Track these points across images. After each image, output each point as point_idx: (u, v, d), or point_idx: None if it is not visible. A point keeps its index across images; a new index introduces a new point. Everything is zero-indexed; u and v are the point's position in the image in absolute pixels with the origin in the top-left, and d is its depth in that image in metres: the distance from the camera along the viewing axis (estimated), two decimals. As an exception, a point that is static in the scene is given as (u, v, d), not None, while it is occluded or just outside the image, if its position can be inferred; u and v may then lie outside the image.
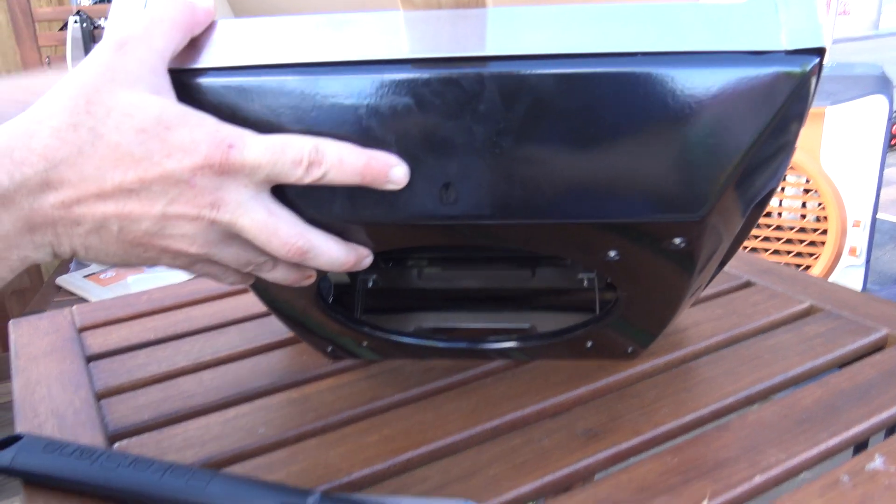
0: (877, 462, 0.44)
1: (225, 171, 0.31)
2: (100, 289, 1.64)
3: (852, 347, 0.57)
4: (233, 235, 0.34)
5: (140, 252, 0.34)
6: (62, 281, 1.73)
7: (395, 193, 0.35)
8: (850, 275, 1.94)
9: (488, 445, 0.47)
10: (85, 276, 1.78)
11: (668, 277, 0.44)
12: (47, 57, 1.96)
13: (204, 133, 0.31)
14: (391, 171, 0.34)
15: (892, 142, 4.62)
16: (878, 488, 0.41)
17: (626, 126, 0.34)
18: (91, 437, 0.50)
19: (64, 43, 1.94)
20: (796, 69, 0.33)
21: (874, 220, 1.90)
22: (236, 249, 0.35)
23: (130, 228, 0.32)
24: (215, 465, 0.47)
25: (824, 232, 1.93)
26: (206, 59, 0.35)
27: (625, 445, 0.47)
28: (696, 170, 0.35)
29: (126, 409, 0.53)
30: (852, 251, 1.91)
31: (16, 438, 0.47)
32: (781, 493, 0.42)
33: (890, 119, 1.82)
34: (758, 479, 0.43)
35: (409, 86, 0.34)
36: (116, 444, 0.49)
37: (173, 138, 0.31)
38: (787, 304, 0.64)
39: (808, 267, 1.98)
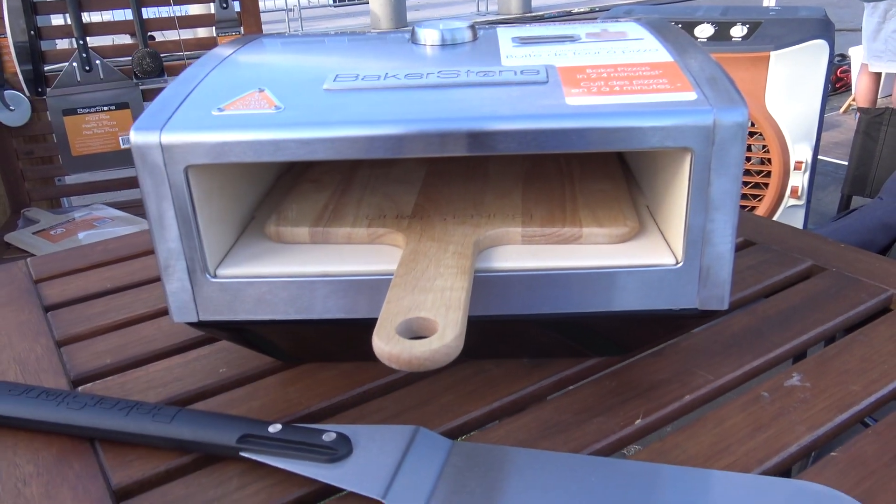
0: (794, 379, 0.48)
1: None
2: (50, 245, 1.63)
3: (779, 278, 0.61)
4: None
5: None
6: (11, 238, 1.70)
7: None
8: (792, 215, 2.02)
9: (442, 376, 0.50)
10: (34, 233, 1.75)
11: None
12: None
13: None
14: None
15: (838, 85, 4.72)
16: (794, 402, 0.45)
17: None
18: (54, 382, 0.51)
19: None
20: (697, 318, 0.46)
21: (815, 161, 1.97)
22: None
23: None
24: (178, 404, 0.49)
25: (768, 174, 1.99)
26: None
27: (567, 372, 0.50)
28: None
29: (87, 356, 0.55)
30: (794, 192, 1.98)
31: (-21, 385, 0.48)
32: (708, 410, 0.46)
33: (831, 63, 1.87)
34: (687, 398, 0.47)
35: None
36: (80, 389, 0.51)
37: None
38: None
39: (753, 208, 2.04)
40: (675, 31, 0.53)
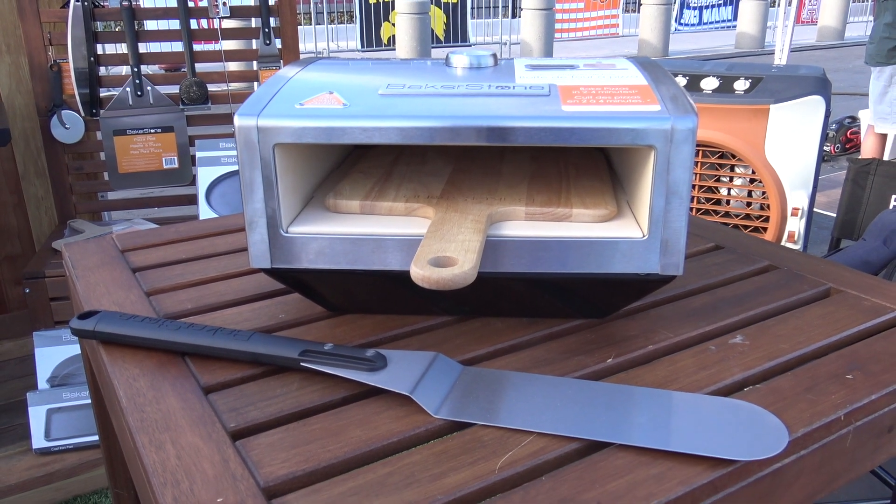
0: (737, 338, 0.60)
1: None
2: (100, 248, 1.76)
3: (739, 272, 0.73)
4: None
5: None
6: (58, 245, 1.85)
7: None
8: (789, 259, 2.13)
9: (456, 326, 0.62)
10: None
11: None
12: (49, 33, 2.07)
13: None
14: None
15: (849, 146, 4.86)
16: (734, 353, 0.58)
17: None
18: (148, 318, 0.64)
19: (65, 20, 2.05)
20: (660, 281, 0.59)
21: (811, 208, 2.09)
22: None
23: None
24: (248, 336, 0.61)
25: (767, 219, 2.12)
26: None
27: (557, 328, 0.62)
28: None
29: (172, 302, 0.68)
30: (791, 237, 2.10)
31: (93, 313, 0.61)
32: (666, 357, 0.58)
33: (827, 117, 2.01)
34: (650, 348, 0.59)
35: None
36: (168, 324, 0.64)
37: None
38: (697, 243, 0.80)
39: (752, 251, 2.16)
40: (654, 66, 0.66)
